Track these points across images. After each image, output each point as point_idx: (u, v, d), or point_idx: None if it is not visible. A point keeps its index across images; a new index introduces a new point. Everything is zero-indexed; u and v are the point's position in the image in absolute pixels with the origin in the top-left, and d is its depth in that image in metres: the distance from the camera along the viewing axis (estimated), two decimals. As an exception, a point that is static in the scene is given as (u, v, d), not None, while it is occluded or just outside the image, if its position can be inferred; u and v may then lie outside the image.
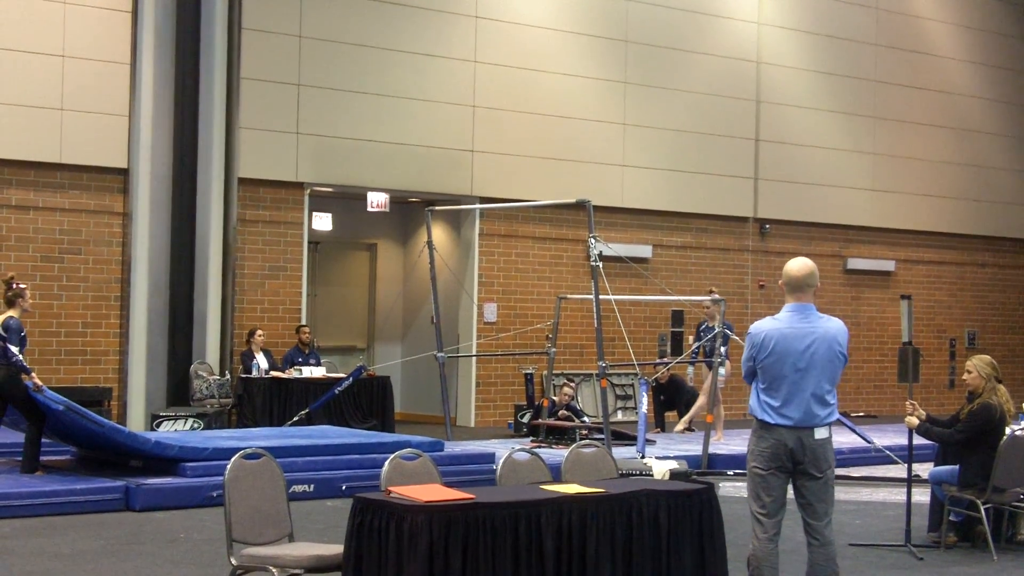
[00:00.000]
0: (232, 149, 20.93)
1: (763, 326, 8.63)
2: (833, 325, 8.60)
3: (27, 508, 13.21)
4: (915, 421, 11.90)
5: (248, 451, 8.70)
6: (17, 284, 14.59)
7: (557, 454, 13.52)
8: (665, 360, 20.50)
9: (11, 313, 14.34)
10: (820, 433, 8.47)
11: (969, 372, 12.19)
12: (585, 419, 20.23)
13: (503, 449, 13.84)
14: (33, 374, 14.25)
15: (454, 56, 23.57)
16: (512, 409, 22.84)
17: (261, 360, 20.81)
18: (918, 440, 12.48)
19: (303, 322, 22.02)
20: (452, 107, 23.48)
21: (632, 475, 14.05)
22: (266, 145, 21.65)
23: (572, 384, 21.06)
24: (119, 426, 15.23)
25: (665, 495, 8.88)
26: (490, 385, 24.03)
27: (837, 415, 8.64)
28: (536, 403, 21.72)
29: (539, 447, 17.99)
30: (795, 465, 8.47)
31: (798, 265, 8.64)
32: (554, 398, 20.68)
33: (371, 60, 22.65)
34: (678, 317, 25.61)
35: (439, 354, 20.43)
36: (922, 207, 29.98)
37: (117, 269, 20.48)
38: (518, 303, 24.30)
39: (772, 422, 8.46)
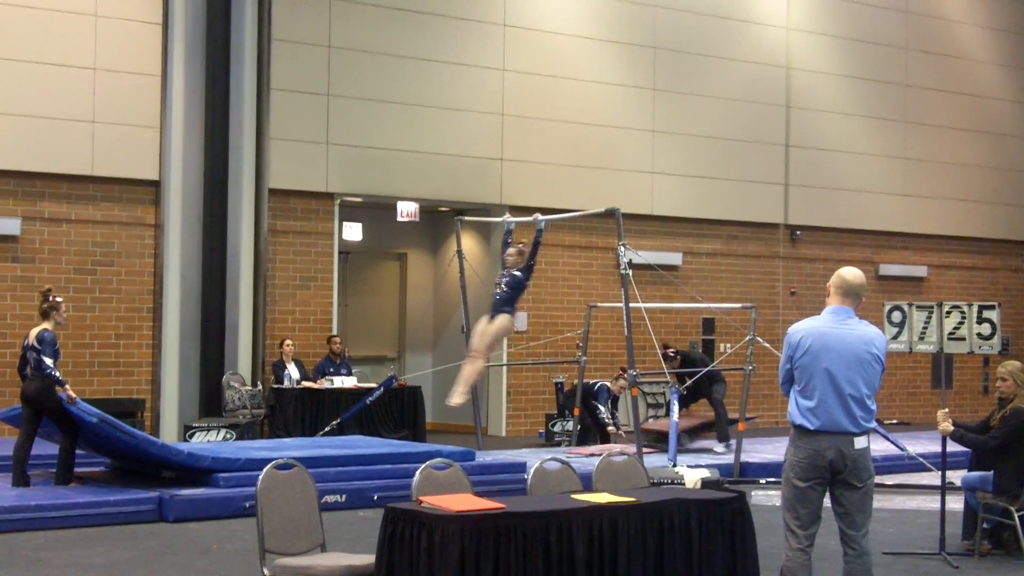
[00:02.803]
0: (262, 160, 21.02)
1: (801, 326, 8.61)
2: (871, 330, 8.58)
3: (61, 519, 13.26)
4: (949, 428, 11.83)
5: (280, 462, 8.72)
6: (53, 297, 14.66)
7: (589, 462, 13.50)
8: (697, 369, 20.40)
9: (45, 325, 14.42)
10: (859, 443, 8.41)
11: (1004, 380, 12.11)
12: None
13: (534, 458, 13.86)
14: (67, 386, 14.32)
15: (483, 65, 23.60)
16: (543, 418, 22.81)
17: (293, 370, 20.87)
18: (952, 447, 12.42)
19: (334, 332, 22.07)
20: (481, 116, 23.51)
21: (663, 484, 14.02)
22: (296, 156, 21.71)
23: (625, 376, 20.95)
24: (152, 438, 15.29)
25: (696, 504, 8.87)
26: (521, 394, 24.04)
27: (873, 422, 8.59)
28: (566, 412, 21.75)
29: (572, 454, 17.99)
30: (834, 475, 8.41)
31: (854, 273, 8.64)
32: (608, 384, 20.75)
33: (400, 69, 22.70)
34: (709, 325, 25.58)
35: (470, 364, 20.42)
36: (954, 212, 29.87)
37: (149, 280, 20.56)
38: (548, 312, 24.30)
39: (811, 427, 8.36)
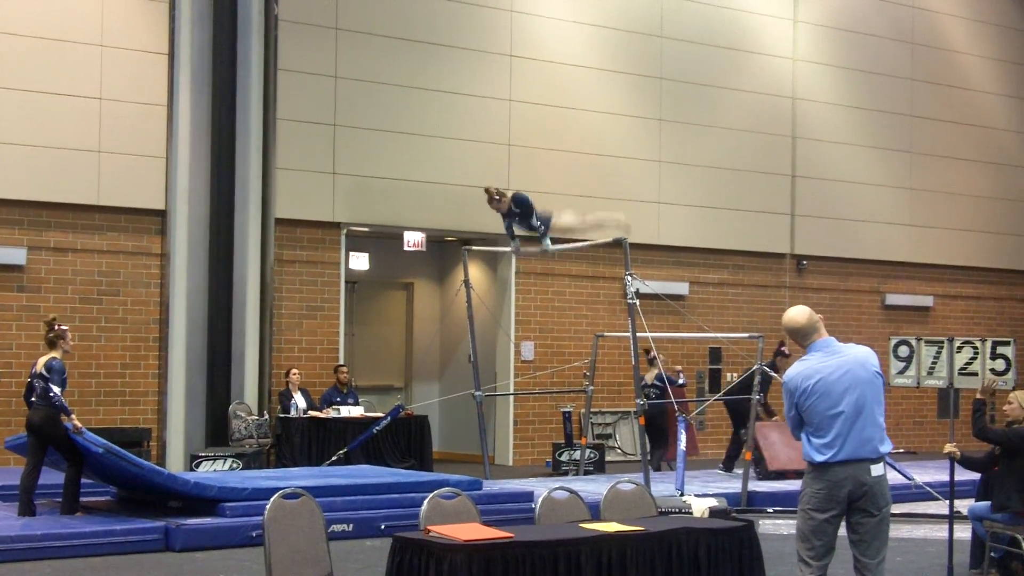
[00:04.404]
0: (269, 190, 21.03)
1: (795, 371, 8.54)
2: (860, 350, 8.60)
3: (67, 549, 13.23)
4: (958, 453, 11.82)
5: (287, 491, 8.70)
6: (58, 326, 14.66)
7: (596, 492, 13.46)
8: (704, 398, 20.39)
9: (54, 354, 14.41)
10: (876, 470, 8.36)
11: (1010, 403, 12.10)
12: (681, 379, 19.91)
13: (541, 487, 13.81)
14: (73, 416, 14.30)
15: (489, 95, 23.64)
16: (550, 447, 22.77)
17: (299, 400, 20.85)
18: (959, 476, 12.38)
19: (341, 362, 22.06)
20: (487, 145, 23.53)
21: (671, 513, 13.97)
22: (302, 185, 21.74)
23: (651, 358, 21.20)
24: (158, 468, 15.25)
25: (705, 533, 8.85)
26: (528, 423, 24.00)
27: (890, 444, 8.55)
28: (575, 442, 21.73)
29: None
30: (851, 504, 8.36)
31: (795, 313, 8.66)
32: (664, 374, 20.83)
33: (406, 100, 22.74)
34: (715, 354, 25.55)
35: (477, 393, 20.41)
36: (960, 242, 29.86)
37: (155, 310, 20.57)
38: (555, 341, 24.29)
39: (831, 460, 8.30)
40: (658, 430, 20.79)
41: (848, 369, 8.42)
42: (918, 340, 12.37)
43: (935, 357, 12.23)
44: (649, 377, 21.01)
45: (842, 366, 8.43)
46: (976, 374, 12.06)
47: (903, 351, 12.39)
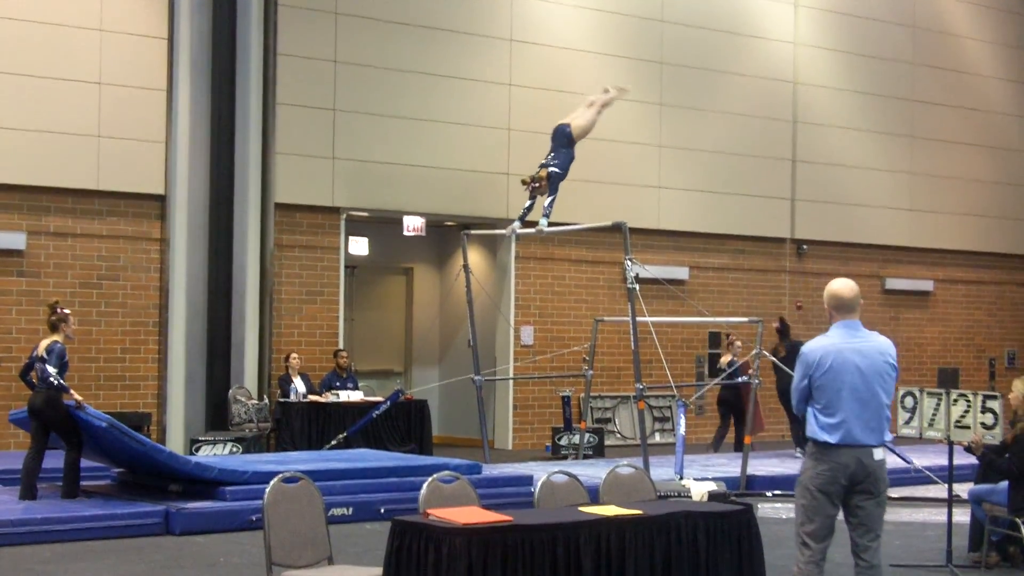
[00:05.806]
0: (268, 174, 21.02)
1: (816, 344, 8.56)
2: (882, 340, 8.62)
3: (67, 533, 13.26)
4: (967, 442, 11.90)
5: (287, 475, 8.71)
6: (61, 309, 14.64)
7: (595, 476, 13.48)
8: (702, 383, 20.43)
9: (55, 338, 14.40)
10: (878, 454, 8.40)
11: (1011, 392, 12.14)
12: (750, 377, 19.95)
13: (541, 471, 13.82)
14: (71, 391, 14.30)
15: (489, 79, 23.61)
16: (549, 432, 22.80)
17: (299, 384, 20.86)
18: (958, 460, 12.40)
19: (340, 346, 22.06)
20: (487, 130, 23.50)
21: (670, 497, 14.00)
22: (302, 170, 21.72)
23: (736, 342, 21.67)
24: (160, 446, 15.21)
25: (703, 517, 8.85)
26: (527, 408, 24.01)
27: (890, 434, 8.58)
28: (573, 426, 21.76)
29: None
30: (852, 487, 8.39)
31: (845, 286, 8.58)
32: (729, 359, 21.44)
33: (406, 84, 22.71)
34: (715, 339, 25.56)
35: (476, 377, 20.42)
36: (960, 226, 29.84)
37: (155, 295, 20.57)
38: (555, 326, 24.29)
39: (834, 442, 8.33)
40: (737, 411, 21.34)
41: (866, 354, 8.44)
42: (921, 391, 12.45)
43: (935, 409, 12.32)
44: (724, 361, 21.39)
45: (861, 350, 8.44)
46: (969, 427, 12.13)
47: (908, 402, 12.49)
